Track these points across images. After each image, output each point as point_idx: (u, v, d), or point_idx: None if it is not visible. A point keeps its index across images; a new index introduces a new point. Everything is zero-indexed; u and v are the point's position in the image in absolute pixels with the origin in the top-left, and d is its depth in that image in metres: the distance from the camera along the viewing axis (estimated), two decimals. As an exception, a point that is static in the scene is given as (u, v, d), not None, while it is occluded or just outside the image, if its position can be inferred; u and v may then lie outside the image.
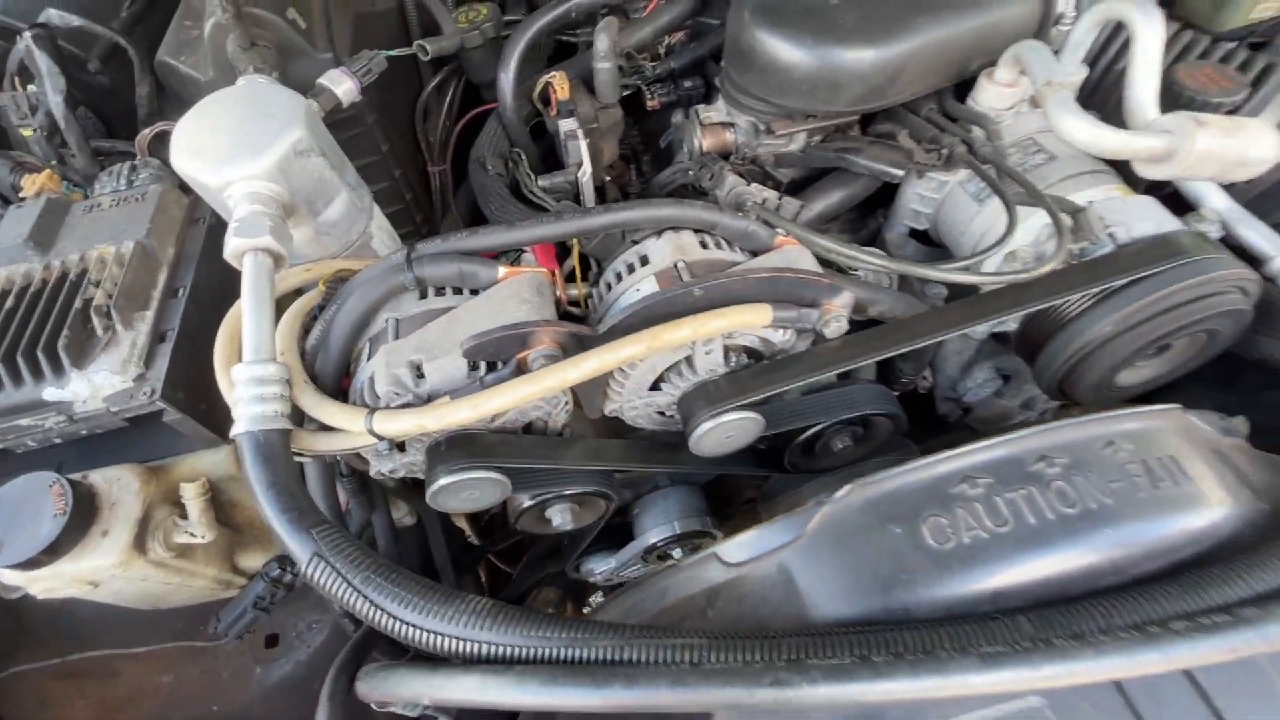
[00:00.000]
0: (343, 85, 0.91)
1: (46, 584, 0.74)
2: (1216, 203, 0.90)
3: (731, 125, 1.06)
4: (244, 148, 0.77)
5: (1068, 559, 0.60)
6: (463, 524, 1.42)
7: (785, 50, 0.91)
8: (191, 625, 1.03)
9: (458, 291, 0.80)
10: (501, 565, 1.54)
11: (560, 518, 0.91)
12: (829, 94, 0.93)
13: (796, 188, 1.07)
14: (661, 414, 0.90)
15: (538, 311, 0.74)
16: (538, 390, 0.67)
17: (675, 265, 0.79)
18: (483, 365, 0.73)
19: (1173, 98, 0.88)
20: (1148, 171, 0.80)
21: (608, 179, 1.19)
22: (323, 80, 0.91)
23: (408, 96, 1.34)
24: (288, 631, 1.11)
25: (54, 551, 0.70)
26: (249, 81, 0.88)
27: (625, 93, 1.19)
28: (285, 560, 0.94)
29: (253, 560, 0.95)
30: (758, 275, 0.74)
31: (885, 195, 1.07)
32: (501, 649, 0.59)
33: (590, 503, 0.95)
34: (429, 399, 0.73)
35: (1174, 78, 0.88)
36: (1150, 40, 0.80)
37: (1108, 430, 0.67)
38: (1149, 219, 0.83)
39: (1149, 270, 0.78)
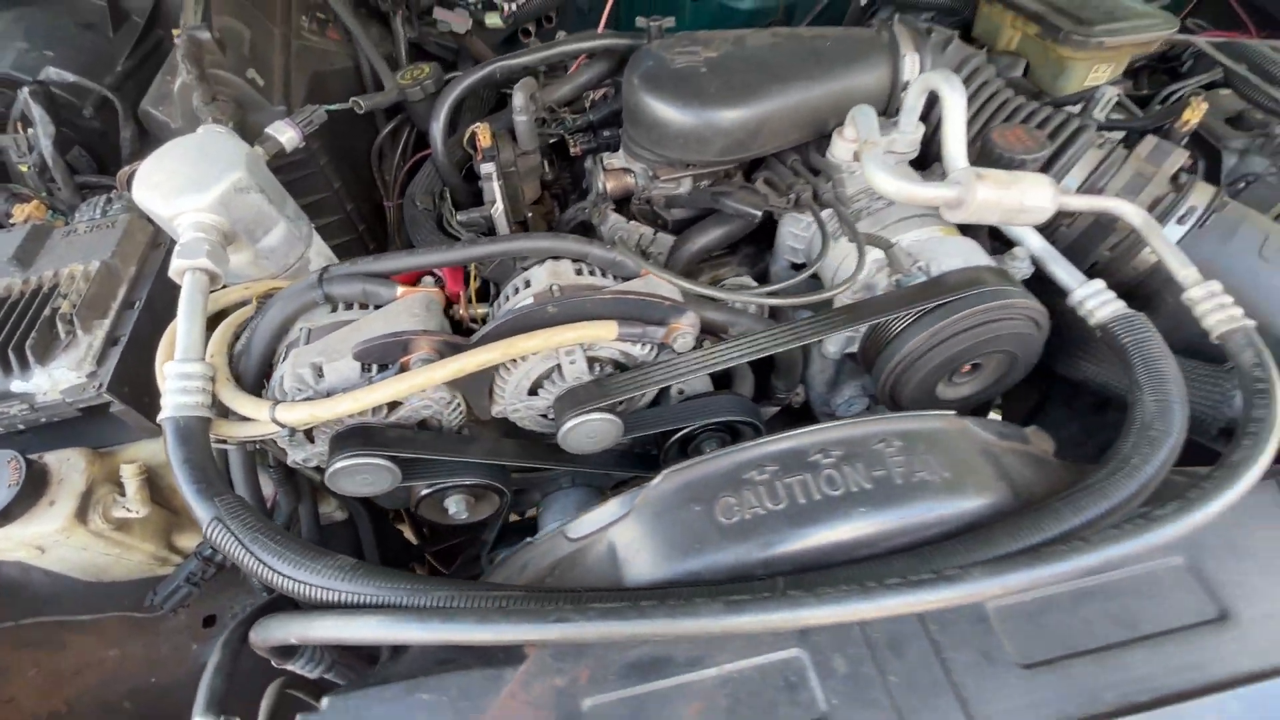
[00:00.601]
0: (286, 134, 1.08)
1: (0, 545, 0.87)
2: (1031, 243, 1.04)
3: (630, 171, 1.22)
4: (191, 184, 0.93)
5: (827, 533, 0.72)
6: (404, 526, 1.55)
7: (663, 110, 1.07)
8: (136, 602, 1.15)
9: (364, 307, 0.95)
10: (439, 567, 1.65)
11: (455, 507, 1.04)
12: (700, 146, 1.08)
13: (688, 224, 1.23)
14: (544, 417, 1.03)
15: (423, 324, 0.89)
16: (408, 386, 0.81)
17: (550, 288, 0.94)
18: (374, 367, 0.87)
19: (989, 155, 1.03)
20: (948, 216, 0.94)
21: (530, 214, 1.34)
22: (269, 130, 1.08)
23: (366, 141, 1.52)
24: (224, 613, 1.23)
25: (5, 516, 0.83)
26: (206, 130, 1.04)
27: (551, 140, 1.36)
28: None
29: (188, 541, 1.08)
30: (606, 297, 0.88)
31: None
32: (359, 597, 0.71)
33: (485, 496, 1.07)
34: (328, 395, 0.87)
35: (989, 138, 1.03)
36: (954, 105, 0.95)
37: (882, 429, 0.80)
38: (957, 255, 0.97)
39: (947, 298, 0.92)
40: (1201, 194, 1.02)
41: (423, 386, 0.81)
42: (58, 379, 0.91)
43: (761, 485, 0.76)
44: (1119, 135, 1.18)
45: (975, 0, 1.37)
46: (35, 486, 0.87)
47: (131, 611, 1.09)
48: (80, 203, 1.14)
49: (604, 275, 0.99)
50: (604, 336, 0.87)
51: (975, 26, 1.37)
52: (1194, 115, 1.08)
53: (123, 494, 0.94)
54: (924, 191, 0.90)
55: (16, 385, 0.90)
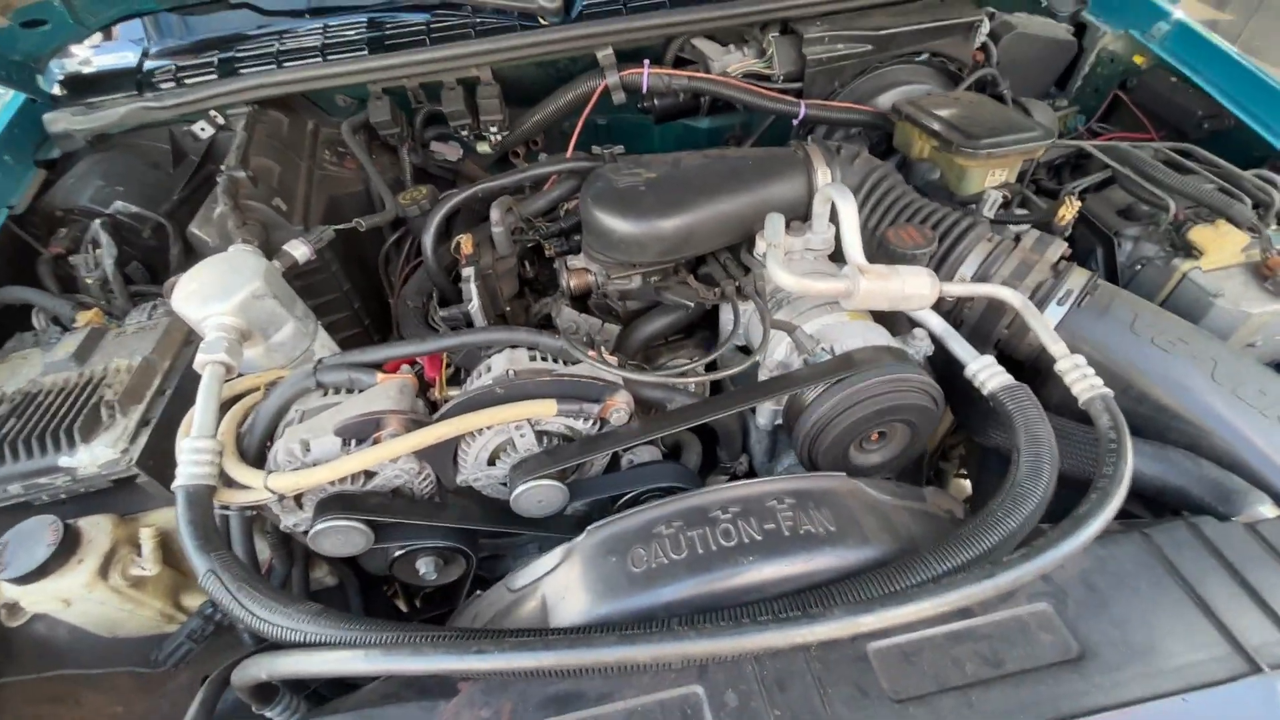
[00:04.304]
0: (299, 250, 1.31)
1: (35, 598, 1.03)
2: (931, 324, 1.17)
3: (589, 270, 1.42)
4: (217, 293, 1.14)
5: (720, 580, 0.83)
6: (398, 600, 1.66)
7: (609, 221, 1.27)
8: (143, 658, 1.28)
9: (350, 391, 1.13)
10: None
11: (425, 568, 1.16)
12: (641, 250, 1.28)
13: (640, 314, 1.40)
14: (503, 485, 1.17)
15: (395, 405, 1.05)
16: (376, 457, 0.96)
17: (507, 371, 1.11)
18: (352, 442, 1.04)
19: (885, 250, 1.19)
20: (845, 304, 1.10)
21: (509, 308, 1.54)
22: (286, 247, 1.31)
23: (375, 248, 1.76)
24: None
25: (43, 572, 0.99)
26: (235, 249, 1.28)
27: (529, 244, 1.58)
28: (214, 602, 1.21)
29: (194, 601, 1.22)
30: (547, 379, 1.05)
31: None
32: (322, 637, 0.84)
33: (454, 559, 1.20)
34: (314, 466, 1.03)
35: (885, 236, 1.20)
36: (847, 212, 1.12)
37: (776, 488, 0.92)
38: (857, 336, 1.11)
39: (849, 373, 1.06)
40: (1078, 278, 1.16)
41: (389, 456, 0.97)
42: (97, 455, 1.10)
43: (667, 538, 0.88)
44: (1017, 228, 1.34)
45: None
46: (69, 547, 1.03)
47: (138, 667, 1.21)
48: (133, 309, 1.37)
49: (555, 361, 1.16)
50: (545, 413, 1.02)
51: (894, 139, 1.58)
52: (1069, 212, 1.24)
53: (140, 554, 1.09)
54: (817, 285, 1.06)
55: (64, 460, 1.09)
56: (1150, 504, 1.07)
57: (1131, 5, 1.74)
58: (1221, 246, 1.22)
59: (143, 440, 1.12)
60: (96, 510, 1.13)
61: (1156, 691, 0.75)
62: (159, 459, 1.13)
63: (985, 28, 1.71)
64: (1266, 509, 0.95)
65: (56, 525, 1.03)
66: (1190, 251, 1.27)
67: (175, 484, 0.97)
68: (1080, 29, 1.85)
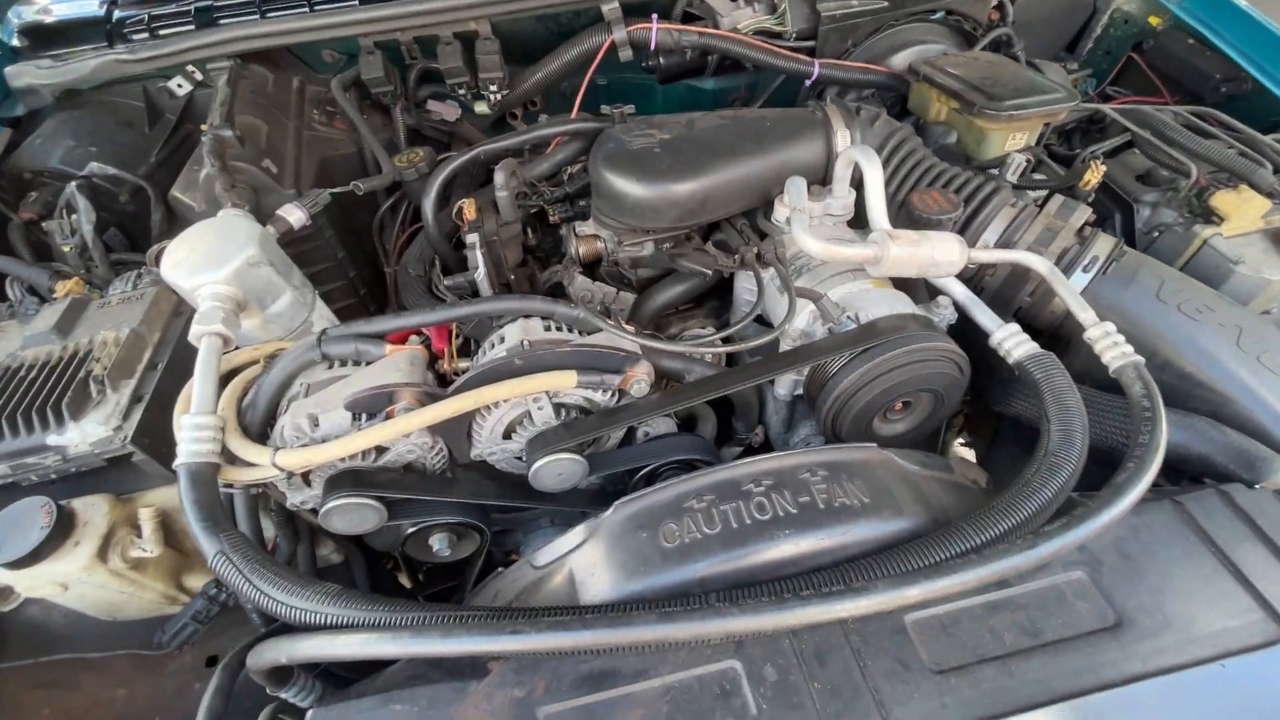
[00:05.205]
0: (294, 215, 1.24)
1: (29, 583, 0.98)
2: (955, 292, 1.15)
3: (599, 237, 1.36)
4: (210, 261, 1.08)
5: (756, 554, 0.81)
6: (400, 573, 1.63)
7: (622, 184, 1.22)
8: (145, 641, 1.24)
9: (357, 364, 1.08)
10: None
11: (439, 544, 1.13)
12: (655, 215, 1.23)
13: (652, 282, 1.36)
14: (519, 459, 1.13)
15: (407, 377, 1.01)
16: (391, 432, 0.92)
17: (522, 343, 1.06)
18: (363, 417, 0.99)
19: (910, 216, 1.16)
20: (871, 271, 1.06)
21: (513, 276, 1.49)
22: (280, 211, 1.23)
23: (369, 214, 1.68)
24: (226, 654, 1.31)
25: (35, 556, 0.94)
26: (225, 213, 1.20)
27: (533, 210, 1.52)
28: (220, 582, 1.17)
29: (196, 581, 1.18)
30: (567, 350, 1.00)
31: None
32: (343, 619, 0.80)
33: (467, 535, 1.17)
34: (323, 442, 0.98)
35: (909, 201, 1.17)
36: (873, 176, 1.09)
37: (809, 460, 0.90)
38: (883, 304, 1.09)
39: (875, 342, 1.03)
40: (1104, 245, 1.14)
41: (404, 432, 0.93)
42: (88, 433, 1.03)
43: (700, 512, 0.86)
44: (1038, 193, 1.31)
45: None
46: (63, 529, 0.98)
47: (139, 649, 1.17)
48: (114, 278, 1.29)
49: (571, 331, 1.11)
50: (565, 385, 0.99)
51: (909, 101, 1.53)
52: (1094, 176, 1.21)
53: (140, 536, 1.05)
54: (844, 251, 1.03)
55: (52, 439, 1.02)
56: (1173, 472, 1.07)
57: (1149, -36, 1.70)
58: (1244, 213, 1.21)
59: (136, 417, 1.06)
60: (90, 491, 1.07)
61: (1195, 658, 0.75)
62: (154, 436, 1.07)
63: (1001, -15, 1.66)
64: (1291, 475, 0.96)
65: (49, 507, 0.97)
66: (1210, 217, 1.25)
67: (177, 462, 0.91)
68: (1094, -12, 1.81)
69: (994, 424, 1.48)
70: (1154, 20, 1.68)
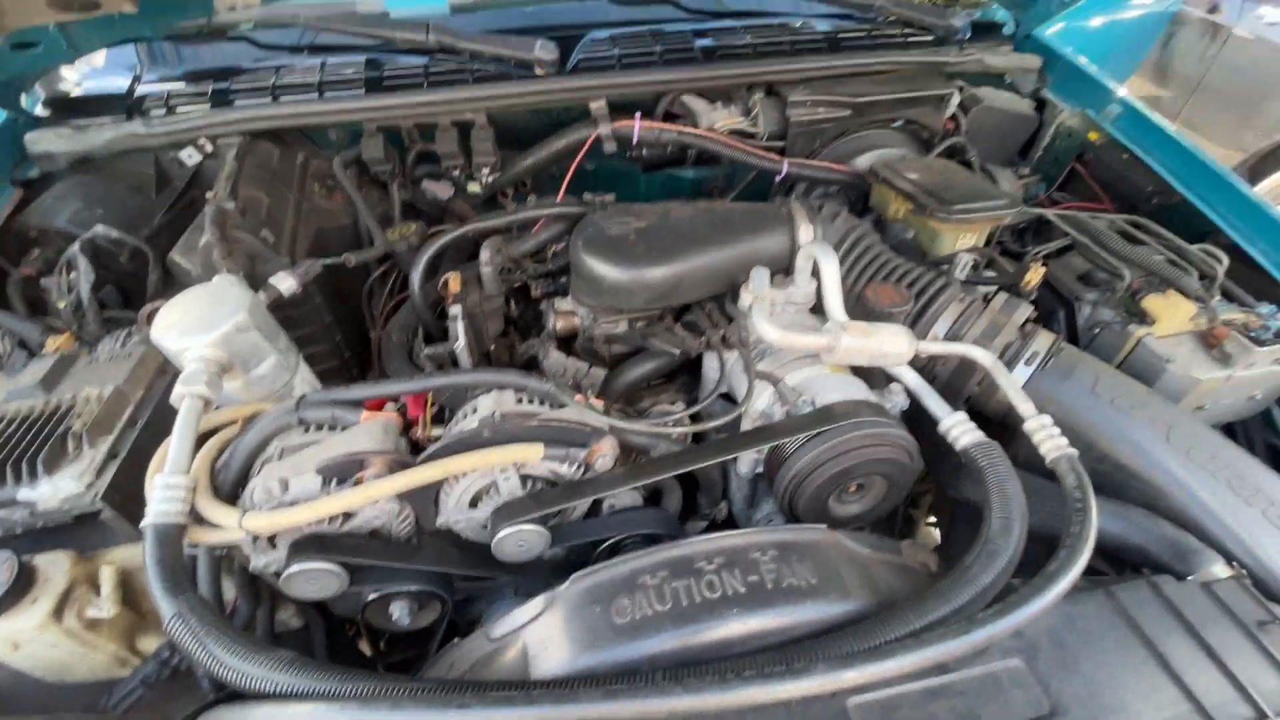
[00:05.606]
0: (285, 283, 1.30)
1: (-20, 641, 0.97)
2: (907, 380, 1.22)
3: (576, 313, 1.44)
4: (200, 325, 1.13)
5: (705, 632, 0.84)
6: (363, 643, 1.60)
7: (599, 267, 1.30)
8: (91, 705, 1.20)
9: (332, 429, 1.11)
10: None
11: (399, 612, 1.13)
12: (629, 297, 1.30)
13: (625, 358, 1.42)
14: (484, 528, 1.16)
15: (379, 445, 1.04)
16: (358, 498, 0.95)
17: (493, 414, 1.11)
18: (334, 482, 1.02)
19: (864, 308, 1.24)
20: (826, 359, 1.13)
21: (493, 346, 1.55)
22: (272, 279, 1.30)
23: (359, 281, 1.76)
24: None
25: (-7, 612, 0.94)
26: (220, 279, 1.26)
27: (516, 285, 1.60)
28: (174, 646, 1.16)
29: (150, 644, 1.16)
30: (534, 423, 1.05)
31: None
32: (294, 687, 0.81)
33: (429, 603, 1.17)
34: (292, 505, 1.01)
35: (864, 294, 1.25)
36: (829, 270, 1.18)
37: (760, 540, 0.93)
38: (837, 390, 1.15)
39: (829, 426, 1.09)
40: (1043, 340, 1.23)
41: (372, 498, 0.96)
42: (60, 488, 1.05)
43: (652, 589, 0.88)
44: (987, 289, 1.41)
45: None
46: (23, 586, 0.98)
47: (84, 713, 1.14)
48: (105, 335, 1.33)
49: (542, 404, 1.16)
50: (531, 457, 1.03)
51: (871, 199, 1.66)
52: (1034, 277, 1.32)
53: (98, 595, 1.05)
54: (800, 339, 1.10)
55: (24, 494, 1.04)
56: (1111, 559, 1.11)
57: (1086, 87, 1.88)
58: (1172, 315, 1.30)
59: (109, 473, 1.08)
60: (54, 546, 1.08)
61: (1124, 750, 0.77)
62: (125, 493, 1.09)
63: (956, 100, 1.83)
64: (1219, 569, 1.00)
65: (11, 562, 0.98)
66: (1144, 318, 1.35)
67: (144, 522, 0.93)
68: (1041, 105, 1.99)
69: (952, 505, 1.53)
70: (1093, 135, 1.85)
